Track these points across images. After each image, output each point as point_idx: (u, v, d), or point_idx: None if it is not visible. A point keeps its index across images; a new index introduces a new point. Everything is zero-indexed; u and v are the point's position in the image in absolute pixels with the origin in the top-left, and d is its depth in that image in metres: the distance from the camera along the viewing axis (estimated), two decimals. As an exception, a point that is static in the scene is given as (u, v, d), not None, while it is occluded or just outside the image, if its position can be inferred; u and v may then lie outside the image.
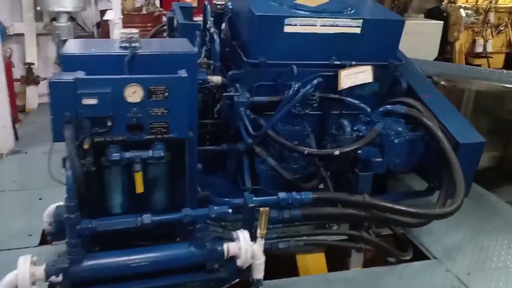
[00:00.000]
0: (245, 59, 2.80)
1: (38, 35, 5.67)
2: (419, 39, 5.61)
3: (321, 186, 2.79)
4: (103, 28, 5.42)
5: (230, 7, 3.14)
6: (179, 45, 2.06)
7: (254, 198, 2.14)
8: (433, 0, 6.74)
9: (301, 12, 2.84)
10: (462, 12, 5.90)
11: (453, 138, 2.65)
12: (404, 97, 3.00)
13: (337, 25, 2.85)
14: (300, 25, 2.80)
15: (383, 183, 3.18)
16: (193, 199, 2.14)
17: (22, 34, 5.65)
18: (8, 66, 4.73)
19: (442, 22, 5.79)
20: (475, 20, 6.08)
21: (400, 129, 2.76)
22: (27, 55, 5.74)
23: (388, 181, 3.24)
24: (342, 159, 2.68)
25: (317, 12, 2.85)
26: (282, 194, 2.23)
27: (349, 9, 3.01)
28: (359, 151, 2.66)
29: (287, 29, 2.79)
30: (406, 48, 5.47)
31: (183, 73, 1.75)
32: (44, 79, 5.85)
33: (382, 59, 3.00)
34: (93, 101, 1.64)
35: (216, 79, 2.73)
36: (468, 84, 3.29)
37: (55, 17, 5.34)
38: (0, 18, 5.56)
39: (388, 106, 2.77)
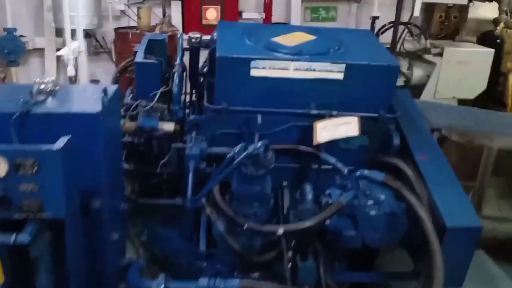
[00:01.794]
0: (206, 104, 2.57)
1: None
2: (465, 69, 5.03)
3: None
4: (115, 46, 5.47)
5: (215, 38, 2.93)
6: (89, 99, 1.86)
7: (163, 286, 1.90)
8: (490, 22, 6.04)
9: (273, 53, 2.55)
10: (518, 40, 5.19)
11: (441, 218, 2.20)
12: (395, 157, 2.59)
13: (314, 70, 2.52)
14: (270, 69, 2.51)
15: (371, 257, 2.77)
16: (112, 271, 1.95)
17: (43, 49, 5.90)
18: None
19: (493, 50, 5.13)
20: (535, 50, 5.32)
21: (382, 197, 2.36)
22: (46, 71, 5.97)
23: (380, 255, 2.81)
24: (304, 232, 2.34)
25: (292, 54, 2.54)
26: (202, 282, 1.96)
27: (336, 48, 2.66)
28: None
29: (253, 72, 2.51)
30: (449, 80, 4.96)
31: (61, 142, 1.55)
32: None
33: (371, 109, 2.61)
34: None
35: (168, 126, 2.52)
36: (488, 140, 2.77)
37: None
38: (24, 32, 5.89)
39: (365, 171, 2.38)
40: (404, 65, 5.14)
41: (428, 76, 5.05)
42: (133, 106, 2.57)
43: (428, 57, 4.98)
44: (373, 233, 2.37)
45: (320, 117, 2.58)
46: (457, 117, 2.94)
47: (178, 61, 2.76)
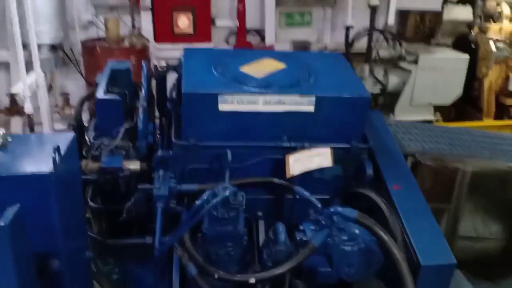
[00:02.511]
0: (174, 140, 2.49)
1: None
2: (440, 75, 5.04)
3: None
4: (83, 59, 5.30)
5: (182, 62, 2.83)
6: (44, 153, 1.76)
7: None
8: (465, 24, 6.07)
9: (241, 86, 2.48)
10: (493, 46, 5.23)
11: (415, 256, 2.19)
12: (368, 188, 2.57)
13: (284, 103, 2.47)
14: (238, 103, 2.45)
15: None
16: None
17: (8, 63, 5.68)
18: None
19: (468, 56, 5.15)
20: (509, 55, 5.37)
21: (356, 231, 2.34)
22: (12, 85, 5.76)
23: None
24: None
25: (260, 86, 2.48)
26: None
27: (306, 78, 2.61)
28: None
29: (222, 107, 2.45)
30: (425, 86, 4.97)
31: (8, 215, 1.46)
32: (29, 109, 5.87)
33: (343, 140, 2.58)
34: None
35: (134, 165, 2.43)
36: (461, 163, 2.78)
37: (37, 48, 5.25)
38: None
39: (338, 208, 2.35)
40: (379, 72, 5.13)
41: (404, 83, 5.06)
42: (95, 146, 2.47)
43: (403, 64, 4.98)
44: (349, 269, 2.35)
45: (292, 149, 2.54)
46: (430, 139, 2.94)
47: (142, 93, 2.67)
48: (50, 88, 5.77)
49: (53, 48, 5.27)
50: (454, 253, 2.24)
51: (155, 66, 2.82)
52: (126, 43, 5.04)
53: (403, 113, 5.15)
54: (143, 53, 5.14)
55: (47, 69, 5.36)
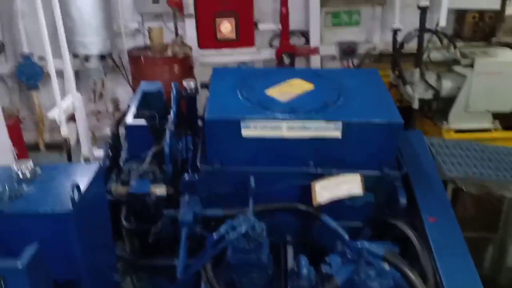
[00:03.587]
0: (199, 164, 2.52)
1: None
2: (498, 79, 4.66)
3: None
4: (130, 66, 5.51)
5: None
6: (66, 189, 1.85)
7: None
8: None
9: (264, 112, 2.45)
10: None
11: (446, 299, 2.06)
12: (400, 220, 2.45)
13: (309, 129, 2.41)
14: (262, 129, 2.43)
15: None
16: None
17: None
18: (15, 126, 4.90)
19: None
20: None
21: (385, 267, 2.24)
22: (66, 91, 6.09)
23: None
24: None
25: (284, 112, 2.43)
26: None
27: (333, 101, 2.52)
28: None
29: (245, 132, 2.44)
30: (481, 92, 4.61)
31: (27, 255, 1.55)
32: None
33: (374, 166, 2.47)
34: None
35: (160, 190, 2.50)
36: (508, 191, 2.56)
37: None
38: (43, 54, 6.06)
39: (365, 244, 2.25)
40: (432, 76, 4.84)
41: (459, 88, 4.74)
42: (124, 170, 2.56)
43: (457, 68, 4.65)
44: (377, 305, 2.27)
45: (319, 175, 2.48)
46: (476, 162, 2.73)
47: (171, 116, 2.72)
48: (100, 96, 6.09)
49: (102, 57, 5.55)
50: (501, 284, 2.09)
51: (185, 89, 2.86)
52: (169, 52, 5.17)
53: (458, 121, 4.83)
54: (186, 62, 5.25)
55: (97, 77, 5.67)
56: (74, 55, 5.73)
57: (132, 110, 2.71)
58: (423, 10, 4.54)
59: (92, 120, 6.14)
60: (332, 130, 2.40)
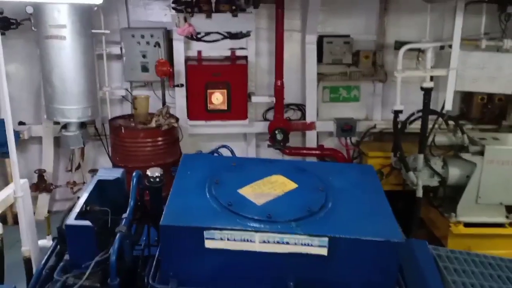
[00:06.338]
0: (150, 282, 2.07)
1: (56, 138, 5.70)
2: (509, 170, 4.26)
3: None
4: (110, 137, 5.19)
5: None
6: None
7: None
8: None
9: (234, 219, 2.03)
10: None
11: None
12: None
13: (287, 243, 1.98)
14: (229, 240, 2.00)
15: None
16: None
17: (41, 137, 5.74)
18: None
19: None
20: None
21: None
22: (43, 160, 5.78)
23: None
24: None
25: (257, 220, 2.02)
26: None
27: (322, 205, 2.11)
28: None
29: (209, 244, 2.01)
30: (493, 182, 4.15)
31: None
32: (56, 187, 5.83)
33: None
34: None
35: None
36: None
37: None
38: (23, 119, 5.80)
39: None
40: (437, 162, 4.47)
41: (468, 177, 4.34)
42: (59, 283, 2.10)
43: (466, 156, 4.29)
44: None
45: (299, 300, 2.02)
46: (489, 280, 2.28)
47: (126, 215, 2.30)
48: (78, 167, 5.72)
49: (83, 124, 5.25)
50: None
51: (148, 178, 2.48)
52: (153, 124, 4.87)
53: (467, 213, 4.39)
54: (170, 133, 4.94)
55: (76, 146, 5.32)
56: (55, 122, 5.49)
57: (80, 203, 2.30)
58: (427, 92, 4.27)
59: (67, 192, 5.75)
60: (316, 246, 1.97)
